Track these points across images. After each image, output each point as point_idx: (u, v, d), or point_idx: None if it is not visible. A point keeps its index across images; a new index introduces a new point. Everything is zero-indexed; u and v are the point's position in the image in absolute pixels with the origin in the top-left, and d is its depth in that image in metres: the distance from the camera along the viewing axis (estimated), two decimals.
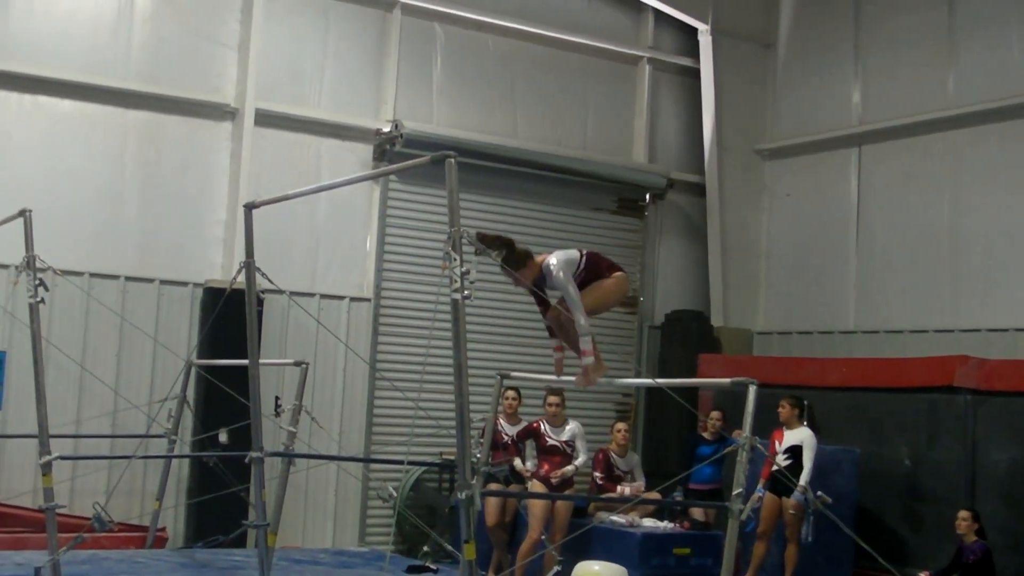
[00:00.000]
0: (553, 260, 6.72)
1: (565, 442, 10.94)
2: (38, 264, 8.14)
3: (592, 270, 6.92)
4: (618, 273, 7.01)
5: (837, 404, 11.91)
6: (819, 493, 9.99)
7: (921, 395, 11.44)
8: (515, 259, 6.70)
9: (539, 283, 6.83)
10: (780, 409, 10.71)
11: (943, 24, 13.30)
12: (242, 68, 12.55)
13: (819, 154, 14.66)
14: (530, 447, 11.34)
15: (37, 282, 8.07)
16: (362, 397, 13.07)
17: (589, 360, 6.68)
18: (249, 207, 7.88)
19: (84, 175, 11.87)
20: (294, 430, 9.56)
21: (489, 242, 6.37)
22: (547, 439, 10.96)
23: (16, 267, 8.36)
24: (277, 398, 10.73)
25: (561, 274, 6.68)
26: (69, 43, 11.84)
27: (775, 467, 10.10)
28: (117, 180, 12.08)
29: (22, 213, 8.33)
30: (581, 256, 6.88)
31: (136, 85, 12.12)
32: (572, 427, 11.03)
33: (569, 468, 10.86)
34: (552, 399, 11.02)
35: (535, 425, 11.11)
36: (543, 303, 6.95)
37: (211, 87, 12.50)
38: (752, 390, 6.45)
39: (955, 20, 13.20)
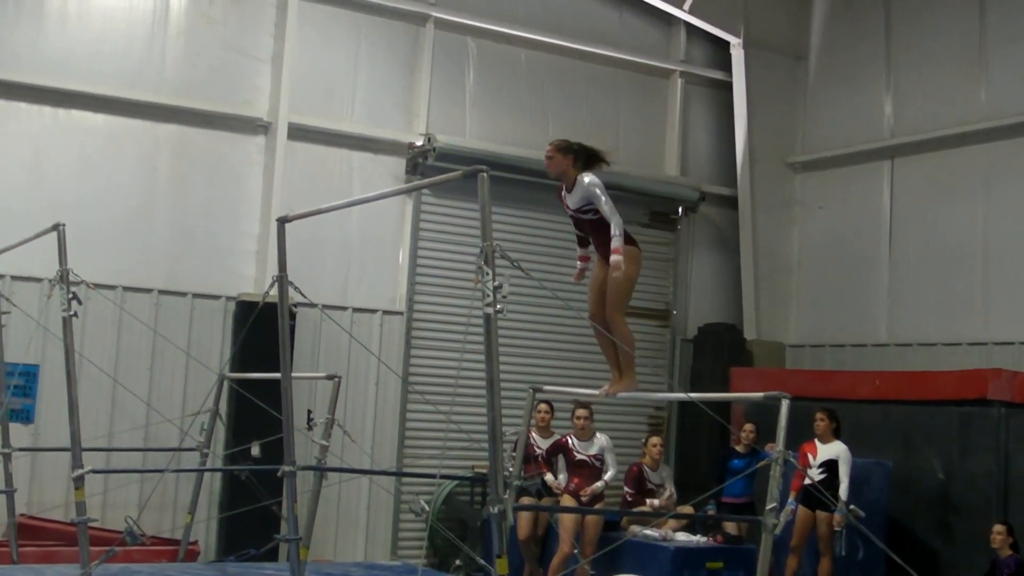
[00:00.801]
0: (592, 178, 6.92)
1: (593, 456, 10.89)
2: (71, 278, 8.19)
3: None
4: (633, 247, 7.00)
5: (869, 417, 11.83)
6: (852, 507, 9.97)
7: (954, 408, 11.34)
8: (569, 147, 7.03)
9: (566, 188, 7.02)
10: (818, 422, 10.65)
11: (975, 35, 13.22)
12: (275, 82, 12.61)
13: (851, 166, 14.59)
14: (561, 461, 11.30)
15: (71, 296, 8.11)
16: (394, 410, 13.08)
17: (618, 258, 6.69)
18: (282, 221, 7.89)
19: (117, 189, 11.96)
20: (326, 444, 9.55)
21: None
22: (575, 453, 10.92)
23: (50, 281, 8.41)
24: (309, 412, 10.74)
25: (596, 190, 6.85)
26: (103, 57, 11.94)
27: (809, 481, 10.02)
28: (150, 194, 12.16)
29: (55, 227, 8.39)
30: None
31: (169, 99, 12.21)
32: (601, 441, 10.98)
33: (598, 484, 10.81)
34: (580, 412, 10.97)
35: (563, 440, 11.07)
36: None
37: (244, 101, 12.56)
38: (785, 404, 6.39)
39: (987, 31, 13.11)
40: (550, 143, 7.12)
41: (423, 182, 9.14)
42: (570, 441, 10.98)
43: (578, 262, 7.42)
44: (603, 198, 6.80)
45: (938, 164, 13.54)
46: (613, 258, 6.69)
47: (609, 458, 10.91)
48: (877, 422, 11.84)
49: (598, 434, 11.06)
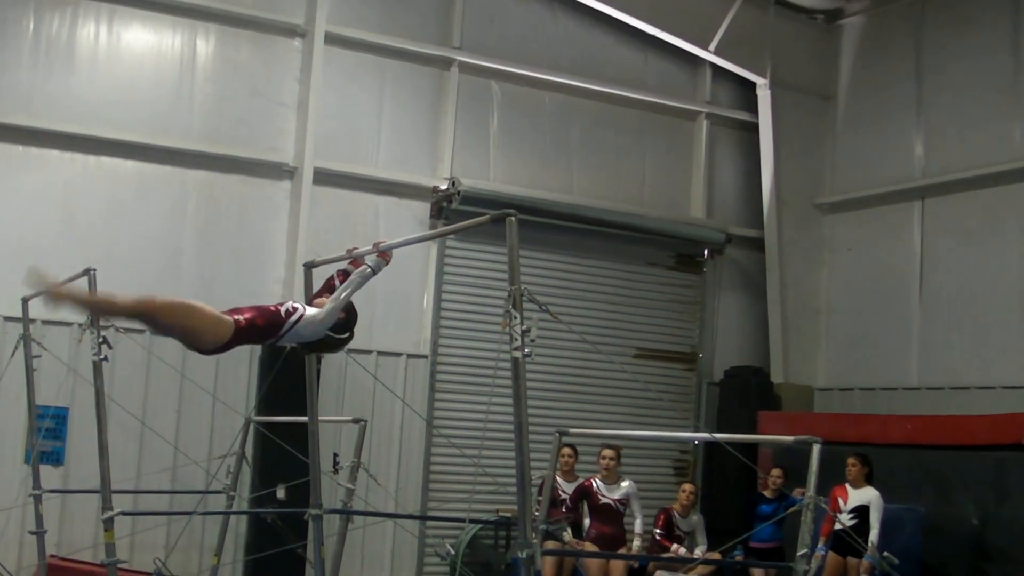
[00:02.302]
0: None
1: (618, 500, 10.72)
2: (101, 322, 8.23)
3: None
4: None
5: (901, 462, 11.68)
6: (885, 553, 9.81)
7: (989, 453, 11.19)
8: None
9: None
10: (849, 467, 10.53)
11: (1008, 73, 13.14)
12: (300, 127, 12.71)
13: (881, 207, 14.49)
14: (636, 503, 11.12)
15: (101, 340, 8.16)
16: (419, 453, 13.04)
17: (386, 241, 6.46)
18: (309, 266, 7.92)
19: (146, 234, 12.05)
20: (352, 487, 9.52)
21: None
22: (600, 497, 10.76)
23: (80, 325, 8.45)
24: (335, 455, 10.70)
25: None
26: (132, 104, 12.07)
27: (839, 526, 9.90)
28: (177, 239, 12.24)
29: (86, 272, 8.44)
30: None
31: (196, 145, 12.32)
32: (627, 486, 10.79)
33: (635, 543, 10.63)
34: (606, 453, 10.84)
35: (587, 483, 10.91)
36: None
37: (270, 146, 12.66)
38: (816, 449, 6.33)
39: (1020, 69, 13.02)
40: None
41: (450, 228, 9.13)
42: (595, 484, 10.82)
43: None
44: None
45: (970, 205, 13.43)
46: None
47: (635, 505, 10.72)
48: (909, 467, 11.69)
49: (625, 479, 10.92)
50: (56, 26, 11.84)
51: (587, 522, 11.10)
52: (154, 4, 12.25)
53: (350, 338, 6.57)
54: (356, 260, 6.68)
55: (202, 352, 5.93)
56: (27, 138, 11.64)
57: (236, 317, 5.80)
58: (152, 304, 5.65)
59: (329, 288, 6.52)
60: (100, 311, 6.12)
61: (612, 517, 10.66)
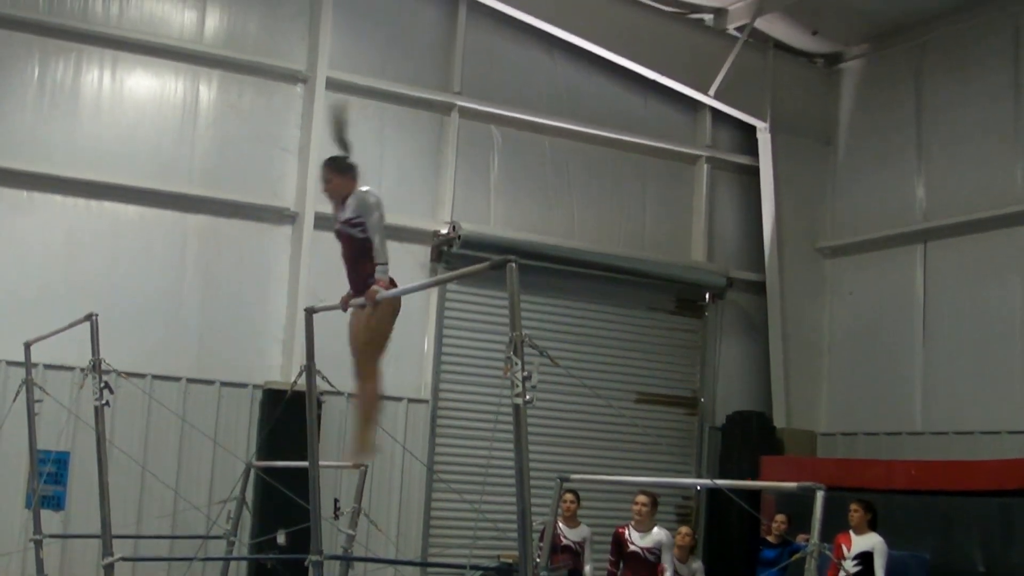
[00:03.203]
0: (371, 189, 6.57)
1: (647, 548, 10.26)
2: (103, 367, 8.22)
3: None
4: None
5: (905, 508, 11.59)
6: None
7: (994, 498, 11.11)
8: (347, 165, 6.63)
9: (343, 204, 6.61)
10: (852, 513, 10.43)
11: (1008, 116, 13.19)
12: (302, 172, 12.75)
13: (882, 251, 14.50)
14: (588, 549, 10.88)
15: (103, 385, 8.14)
16: (419, 499, 12.98)
17: (381, 291, 6.43)
18: (310, 312, 7.91)
19: (146, 278, 12.07)
20: (353, 533, 9.47)
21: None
22: (629, 544, 10.38)
23: (82, 369, 8.43)
24: (336, 500, 10.66)
25: (373, 200, 6.53)
26: (134, 149, 12.14)
27: (844, 573, 9.80)
28: (178, 283, 12.26)
29: (88, 317, 8.43)
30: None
31: (198, 190, 12.37)
32: (658, 534, 10.34)
33: None
34: (639, 499, 10.52)
35: (620, 530, 10.47)
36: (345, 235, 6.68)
37: (271, 191, 12.70)
38: (820, 496, 6.28)
39: (1020, 112, 13.09)
40: (324, 166, 6.78)
41: (450, 275, 9.12)
42: (627, 531, 10.39)
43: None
44: (376, 213, 6.53)
45: (972, 248, 13.43)
46: (371, 290, 6.45)
47: (667, 557, 10.26)
48: (914, 513, 11.59)
49: (658, 527, 10.47)
50: (60, 72, 11.92)
51: (588, 569, 10.89)
52: (157, 50, 12.34)
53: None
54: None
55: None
56: (30, 183, 11.70)
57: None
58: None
59: None
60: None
61: (643, 566, 10.14)
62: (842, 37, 15.13)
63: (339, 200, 6.71)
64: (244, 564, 11.66)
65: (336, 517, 9.86)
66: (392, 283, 6.58)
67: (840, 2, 14.10)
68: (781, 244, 14.89)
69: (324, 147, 12.69)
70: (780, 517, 11.58)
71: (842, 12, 14.39)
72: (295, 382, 8.32)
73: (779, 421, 14.54)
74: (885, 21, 14.50)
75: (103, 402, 8.17)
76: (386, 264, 6.51)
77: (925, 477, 11.85)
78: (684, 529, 11.52)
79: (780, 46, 15.20)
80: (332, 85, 12.87)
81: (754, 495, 12.55)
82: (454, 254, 13.05)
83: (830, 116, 15.43)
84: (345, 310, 6.87)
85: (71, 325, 8.99)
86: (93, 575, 10.82)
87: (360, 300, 6.68)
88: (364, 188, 6.65)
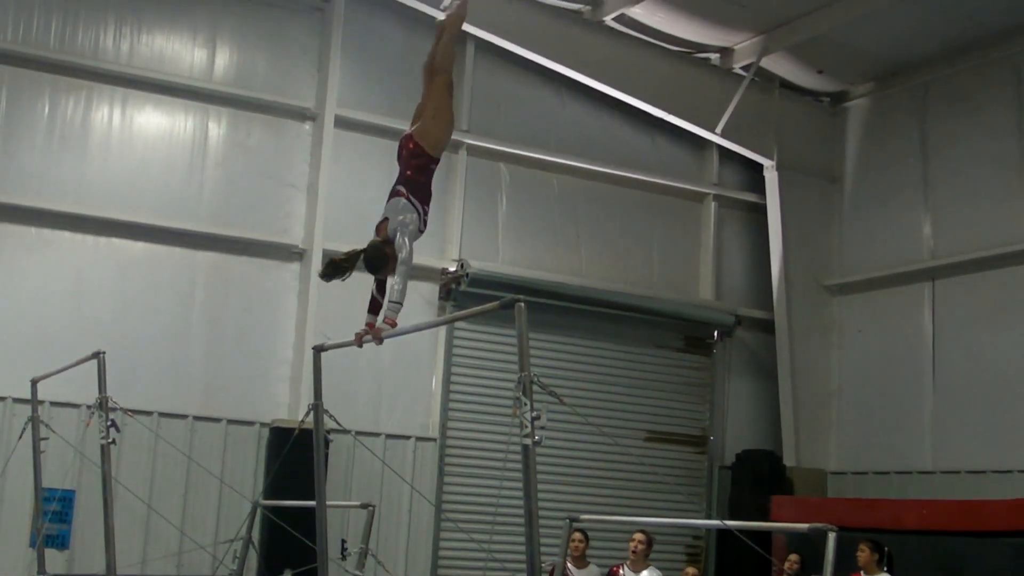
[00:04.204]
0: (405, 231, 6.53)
1: None
2: (110, 404, 8.19)
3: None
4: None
5: (916, 548, 11.46)
6: None
7: (1006, 539, 10.99)
8: (381, 255, 6.56)
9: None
10: (859, 553, 10.34)
11: (1014, 152, 13.18)
12: (310, 209, 12.77)
13: (890, 289, 14.46)
14: None
15: (109, 423, 8.11)
16: (427, 538, 12.89)
17: (388, 329, 6.44)
18: (318, 350, 7.89)
19: (155, 315, 12.06)
20: (360, 574, 9.39)
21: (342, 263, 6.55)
22: None
23: (88, 407, 8.40)
24: (344, 541, 10.61)
25: (407, 241, 6.49)
26: (143, 187, 12.17)
27: None
28: (185, 320, 12.25)
29: (96, 355, 8.41)
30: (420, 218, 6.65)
31: (206, 227, 12.38)
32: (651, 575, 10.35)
33: None
34: (637, 536, 10.53)
35: (615, 569, 10.52)
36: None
37: (279, 228, 12.71)
38: (832, 537, 6.22)
39: None
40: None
41: (460, 314, 9.12)
42: (622, 570, 10.40)
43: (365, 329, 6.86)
44: (407, 250, 6.53)
45: (981, 285, 13.39)
46: (377, 327, 6.61)
47: None
48: (924, 554, 11.47)
49: (649, 567, 10.47)
50: (71, 109, 11.97)
51: None
52: (167, 88, 12.40)
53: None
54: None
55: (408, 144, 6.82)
56: (39, 220, 11.72)
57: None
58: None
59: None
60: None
61: None
62: (847, 76, 15.17)
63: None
64: None
65: (343, 558, 9.80)
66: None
67: (845, 42, 14.14)
68: (789, 282, 14.86)
69: (333, 184, 12.78)
70: (793, 557, 11.47)
71: (847, 52, 14.43)
72: (303, 420, 8.29)
73: (789, 460, 14.44)
74: (889, 61, 14.55)
75: (109, 440, 8.15)
76: (400, 304, 6.44)
77: (936, 517, 11.74)
78: (691, 570, 11.45)
79: (786, 85, 15.24)
80: (340, 123, 12.92)
81: (765, 535, 12.43)
82: (462, 292, 13.04)
83: (836, 154, 15.45)
84: (360, 347, 6.83)
85: (78, 362, 8.98)
86: None
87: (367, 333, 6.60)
88: (399, 232, 6.57)
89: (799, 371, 14.72)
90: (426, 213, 6.55)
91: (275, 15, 12.98)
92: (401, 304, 6.44)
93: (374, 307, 6.76)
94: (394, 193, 6.64)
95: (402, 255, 6.43)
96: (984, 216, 13.44)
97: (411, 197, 6.54)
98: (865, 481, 14.24)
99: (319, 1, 13.07)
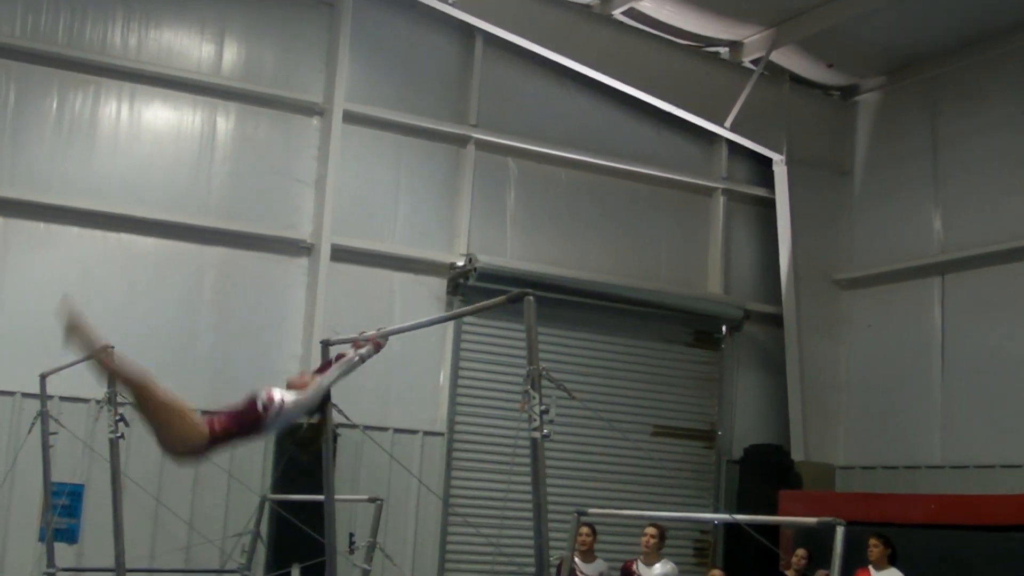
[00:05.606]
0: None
1: None
2: (118, 399, 8.21)
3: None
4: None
5: (925, 543, 11.44)
6: None
7: (1015, 534, 10.96)
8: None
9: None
10: (872, 548, 10.32)
11: None
12: (318, 204, 12.77)
13: (900, 283, 14.42)
14: None
15: (118, 418, 8.13)
16: (435, 532, 12.89)
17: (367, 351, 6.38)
18: (326, 344, 7.88)
19: (162, 310, 12.07)
20: (368, 567, 9.39)
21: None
22: None
23: (97, 401, 8.42)
24: (352, 535, 10.62)
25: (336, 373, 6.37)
26: (151, 182, 12.18)
27: None
28: (193, 315, 12.26)
29: (104, 349, 8.41)
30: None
31: (215, 222, 12.38)
32: (665, 568, 10.26)
33: None
34: (649, 531, 10.47)
35: (629, 564, 10.42)
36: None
37: (287, 223, 12.72)
38: (840, 531, 6.21)
39: None
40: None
41: (467, 309, 9.10)
42: (636, 565, 10.34)
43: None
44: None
45: (991, 280, 13.35)
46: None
47: None
48: (933, 548, 11.45)
49: (662, 561, 10.38)
50: (79, 104, 11.99)
51: None
52: (175, 83, 12.41)
53: (321, 422, 6.49)
54: (356, 343, 6.63)
55: (175, 457, 5.81)
56: (47, 215, 11.74)
57: (212, 425, 5.70)
58: (149, 388, 5.65)
59: (325, 367, 6.47)
60: (102, 363, 5.99)
61: None
62: (857, 70, 15.13)
63: None
64: None
65: (351, 551, 9.81)
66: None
67: (855, 35, 14.10)
68: (798, 276, 14.83)
69: (341, 179, 12.78)
70: (800, 552, 11.47)
71: (857, 45, 14.39)
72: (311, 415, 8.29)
73: (797, 454, 14.43)
74: (900, 54, 14.51)
75: (118, 435, 8.18)
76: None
77: (945, 512, 11.72)
78: (716, 572, 11.44)
79: (796, 79, 15.19)
80: (348, 117, 12.92)
81: (772, 529, 12.41)
82: (470, 286, 13.03)
83: (846, 148, 15.41)
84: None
85: (87, 357, 8.99)
86: None
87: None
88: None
89: (808, 365, 14.69)
90: (267, 408, 6.09)
91: (283, 10, 12.97)
92: (356, 358, 6.38)
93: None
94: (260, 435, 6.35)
95: (314, 401, 6.27)
96: (994, 210, 13.39)
97: (258, 430, 6.17)
98: (873, 475, 14.22)
99: None
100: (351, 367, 6.36)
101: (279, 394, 6.00)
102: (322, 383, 6.23)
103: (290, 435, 6.39)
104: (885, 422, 14.25)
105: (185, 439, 5.68)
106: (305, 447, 6.54)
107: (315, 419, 6.44)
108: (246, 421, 5.87)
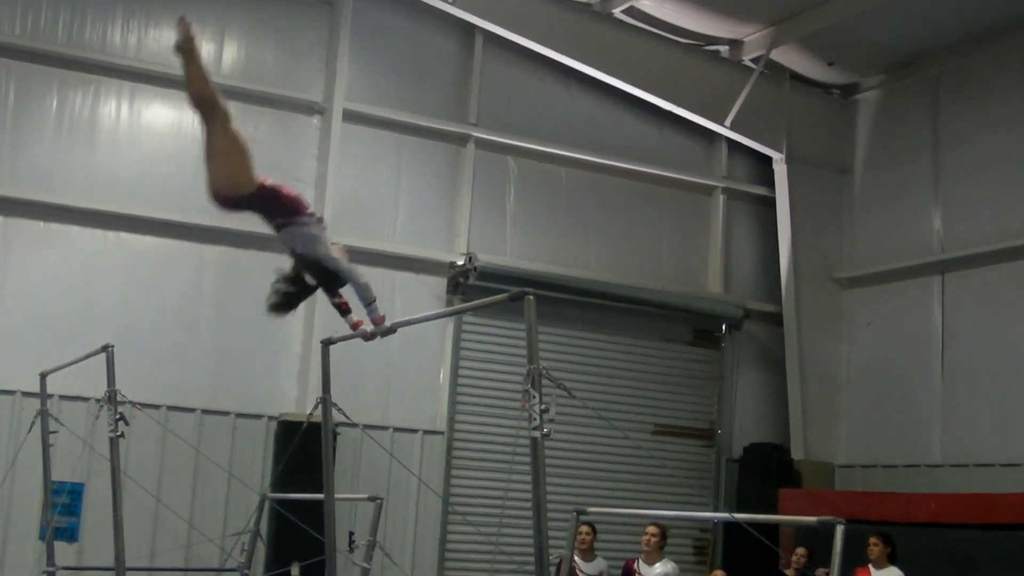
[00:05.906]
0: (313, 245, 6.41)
1: None
2: (118, 398, 8.22)
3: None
4: None
5: (925, 542, 11.44)
6: None
7: (1016, 533, 10.96)
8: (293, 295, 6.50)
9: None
10: (872, 547, 10.32)
11: None
12: (318, 203, 12.72)
13: (900, 282, 14.40)
14: None
15: (118, 416, 8.14)
16: (435, 531, 12.90)
17: (381, 328, 6.47)
18: (326, 343, 7.90)
19: (162, 309, 12.08)
20: (368, 566, 9.39)
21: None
22: None
23: (97, 400, 8.43)
24: (351, 533, 10.62)
25: (320, 249, 6.42)
26: (151, 181, 12.17)
27: None
28: (194, 314, 12.26)
29: (104, 348, 8.43)
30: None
31: (215, 221, 12.32)
32: (666, 567, 10.25)
33: None
34: (650, 530, 10.47)
35: (630, 563, 10.42)
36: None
37: None
38: (840, 530, 6.21)
39: None
40: None
41: (468, 305, 9.13)
42: (636, 564, 10.32)
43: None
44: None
45: (991, 279, 13.34)
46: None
47: None
48: (934, 547, 11.45)
49: (664, 560, 10.36)
50: (79, 103, 11.99)
51: None
52: (175, 82, 12.32)
53: (311, 290, 6.62)
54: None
55: (217, 197, 6.01)
56: (48, 214, 11.74)
57: (264, 180, 5.98)
58: (226, 112, 5.98)
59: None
60: (194, 75, 6.23)
61: None
62: (858, 68, 15.12)
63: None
64: None
65: (351, 550, 9.81)
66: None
67: (855, 33, 14.09)
68: (798, 275, 14.82)
69: (340, 178, 12.78)
70: (800, 550, 11.47)
71: (858, 43, 14.38)
72: (311, 414, 8.31)
73: (797, 453, 14.43)
74: (901, 52, 14.50)
75: (118, 433, 8.19)
76: (374, 300, 6.62)
77: (945, 510, 11.72)
78: (719, 573, 11.45)
79: (796, 77, 15.19)
80: (349, 116, 12.92)
81: (772, 528, 12.41)
82: (470, 285, 13.03)
83: (846, 147, 15.40)
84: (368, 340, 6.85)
85: (87, 356, 9.01)
86: None
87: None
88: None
89: (808, 364, 14.69)
90: (310, 216, 6.32)
91: (283, 9, 12.97)
92: (374, 298, 6.48)
93: (346, 309, 6.77)
94: (278, 230, 6.41)
95: (333, 265, 6.40)
96: (995, 209, 13.39)
97: (286, 222, 6.31)
98: (873, 474, 14.22)
99: None
100: (364, 288, 6.47)
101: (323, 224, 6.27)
102: (344, 263, 6.44)
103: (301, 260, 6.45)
104: (885, 421, 14.25)
105: (236, 177, 6.01)
106: (281, 285, 6.61)
107: (311, 282, 6.54)
108: (291, 203, 6.17)
